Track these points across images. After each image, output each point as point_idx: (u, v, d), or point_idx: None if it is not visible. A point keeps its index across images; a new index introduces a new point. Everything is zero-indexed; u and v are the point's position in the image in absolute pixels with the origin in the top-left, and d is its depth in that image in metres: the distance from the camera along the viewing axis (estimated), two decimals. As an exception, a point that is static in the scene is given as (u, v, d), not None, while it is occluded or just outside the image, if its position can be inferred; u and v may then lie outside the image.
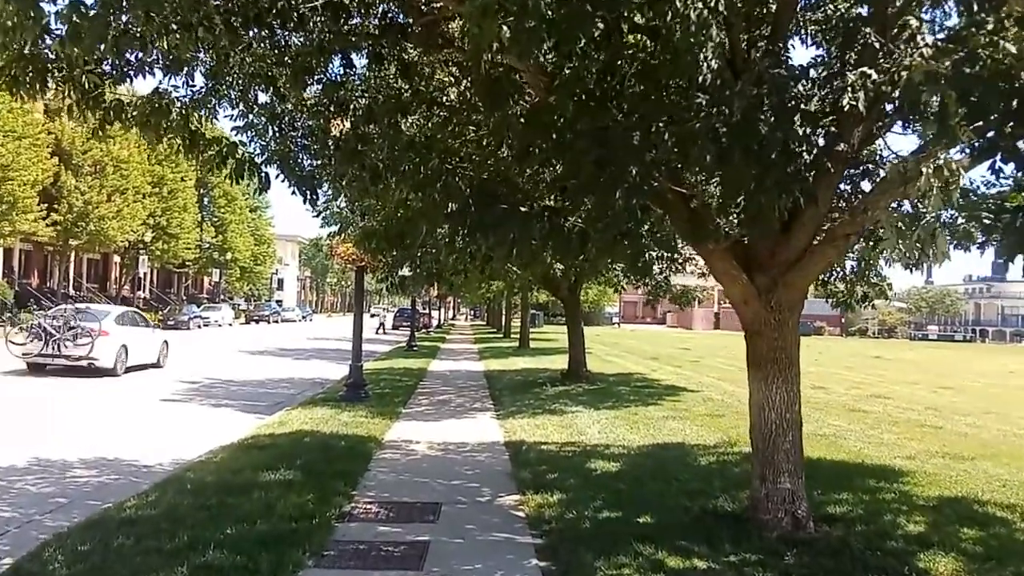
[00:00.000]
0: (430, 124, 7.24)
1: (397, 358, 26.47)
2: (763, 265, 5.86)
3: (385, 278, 12.31)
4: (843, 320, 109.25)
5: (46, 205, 38.47)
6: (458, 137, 6.90)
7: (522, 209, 5.71)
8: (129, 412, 12.88)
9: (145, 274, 53.27)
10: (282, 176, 7.53)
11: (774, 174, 4.71)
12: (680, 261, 16.49)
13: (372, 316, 79.43)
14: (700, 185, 5.49)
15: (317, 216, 11.63)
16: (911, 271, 7.27)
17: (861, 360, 34.81)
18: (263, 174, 7.35)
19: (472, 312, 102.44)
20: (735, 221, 5.63)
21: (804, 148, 4.87)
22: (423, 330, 50.61)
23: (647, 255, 5.64)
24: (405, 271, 12.31)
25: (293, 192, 7.41)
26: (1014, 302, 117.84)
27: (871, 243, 7.82)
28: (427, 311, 59.91)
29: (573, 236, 5.59)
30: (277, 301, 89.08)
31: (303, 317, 77.09)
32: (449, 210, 5.81)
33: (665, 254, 7.28)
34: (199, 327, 47.73)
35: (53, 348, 17.40)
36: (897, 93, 4.54)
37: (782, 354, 5.93)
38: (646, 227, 5.50)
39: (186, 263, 60.12)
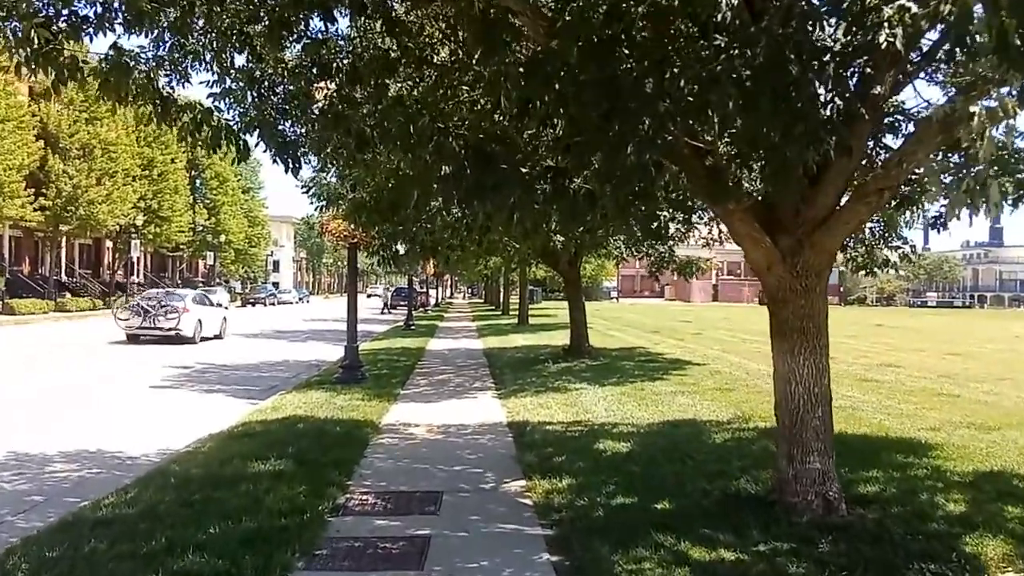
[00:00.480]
0: (420, 85, 6.70)
1: (395, 337, 26.02)
2: (787, 226, 5.35)
3: (376, 252, 11.76)
4: (842, 289, 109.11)
5: (33, 190, 37.78)
6: (451, 99, 6.36)
7: (523, 171, 5.19)
8: (120, 398, 12.41)
9: (138, 258, 52.57)
10: (262, 145, 7.03)
11: (805, 122, 4.20)
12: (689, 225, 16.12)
13: (369, 296, 79.01)
14: (718, 139, 4.97)
15: (306, 192, 11.02)
16: (940, 230, 6.80)
17: (863, 328, 34.37)
18: (241, 142, 6.85)
19: (470, 290, 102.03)
20: (756, 178, 5.11)
21: (836, 92, 4.36)
22: (421, 309, 50.20)
23: (662, 217, 5.11)
24: (399, 247, 11.82)
25: (274, 161, 6.88)
26: (1012, 267, 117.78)
27: (895, 202, 7.33)
28: (424, 290, 59.48)
29: (580, 198, 5.07)
30: (273, 283, 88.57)
31: (300, 299, 76.68)
32: (442, 174, 5.28)
33: (681, 216, 6.72)
34: (194, 311, 47.17)
35: (150, 322, 22.67)
36: (942, 26, 4.04)
37: (809, 323, 5.44)
38: (661, 185, 4.98)
39: (180, 246, 59.50)
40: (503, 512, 6.02)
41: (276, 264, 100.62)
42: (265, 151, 7.05)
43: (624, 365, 15.85)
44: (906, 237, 8.65)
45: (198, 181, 61.92)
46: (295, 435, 8.71)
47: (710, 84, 4.30)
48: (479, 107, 5.83)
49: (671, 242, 14.42)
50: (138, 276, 58.26)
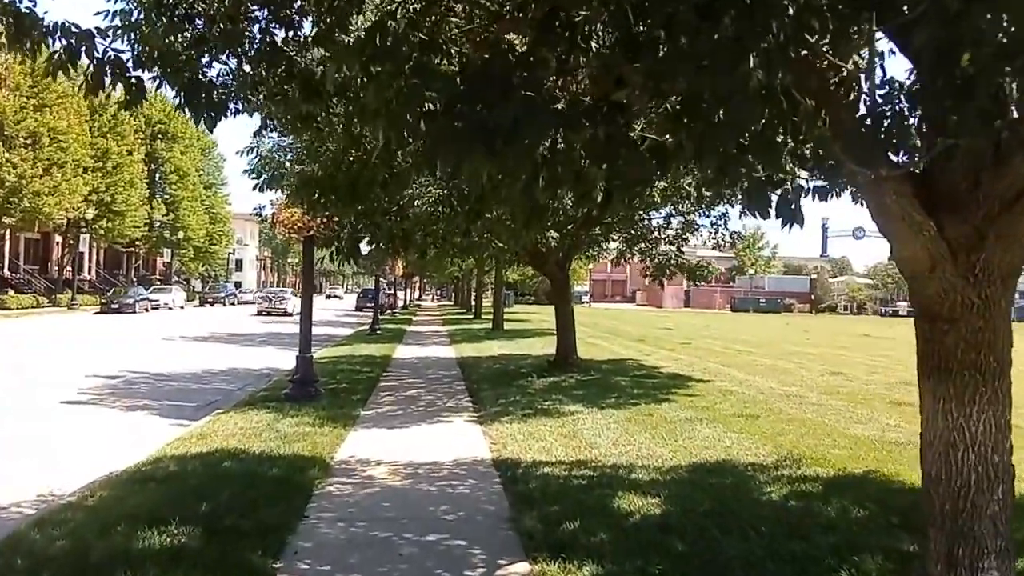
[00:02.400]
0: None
1: (358, 343, 23.85)
2: (961, 205, 3.42)
3: (331, 246, 9.49)
4: (813, 296, 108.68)
5: (-29, 180, 35.11)
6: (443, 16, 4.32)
7: (558, 107, 3.19)
8: (23, 414, 10.21)
9: (84, 253, 49.63)
10: (166, 85, 5.00)
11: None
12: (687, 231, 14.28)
13: (328, 298, 76.21)
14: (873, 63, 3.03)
15: (250, 173, 8.88)
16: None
17: (852, 339, 32.84)
18: (132, 80, 4.80)
19: (439, 292, 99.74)
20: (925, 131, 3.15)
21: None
22: (389, 311, 48.01)
23: (788, 170, 3.13)
24: (363, 246, 9.71)
25: (181, 107, 4.84)
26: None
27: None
28: (392, 291, 57.30)
29: (647, 151, 3.09)
30: (236, 283, 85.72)
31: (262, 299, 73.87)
32: (426, 110, 3.26)
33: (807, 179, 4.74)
34: (147, 311, 44.54)
35: (272, 305, 45.97)
36: None
37: (989, 355, 3.52)
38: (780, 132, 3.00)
39: (135, 242, 56.66)
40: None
41: (239, 263, 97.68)
42: (175, 97, 5.04)
43: (619, 381, 13.89)
44: None
45: (157, 175, 59.04)
46: (217, 481, 6.62)
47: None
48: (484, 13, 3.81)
49: (680, 242, 12.60)
50: (90, 273, 55.36)
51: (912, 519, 5.68)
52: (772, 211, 3.10)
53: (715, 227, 13.91)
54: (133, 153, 50.74)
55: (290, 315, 39.24)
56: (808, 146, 3.17)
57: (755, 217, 3.20)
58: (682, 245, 13.26)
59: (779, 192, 3.09)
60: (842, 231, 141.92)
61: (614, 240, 14.65)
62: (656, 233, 13.73)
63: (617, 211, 10.00)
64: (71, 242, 47.17)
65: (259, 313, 44.33)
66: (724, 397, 12.10)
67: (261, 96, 5.00)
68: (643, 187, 3.97)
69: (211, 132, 5.87)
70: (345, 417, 10.18)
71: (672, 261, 13.77)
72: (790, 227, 3.06)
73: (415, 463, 7.75)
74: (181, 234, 59.63)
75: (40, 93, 39.17)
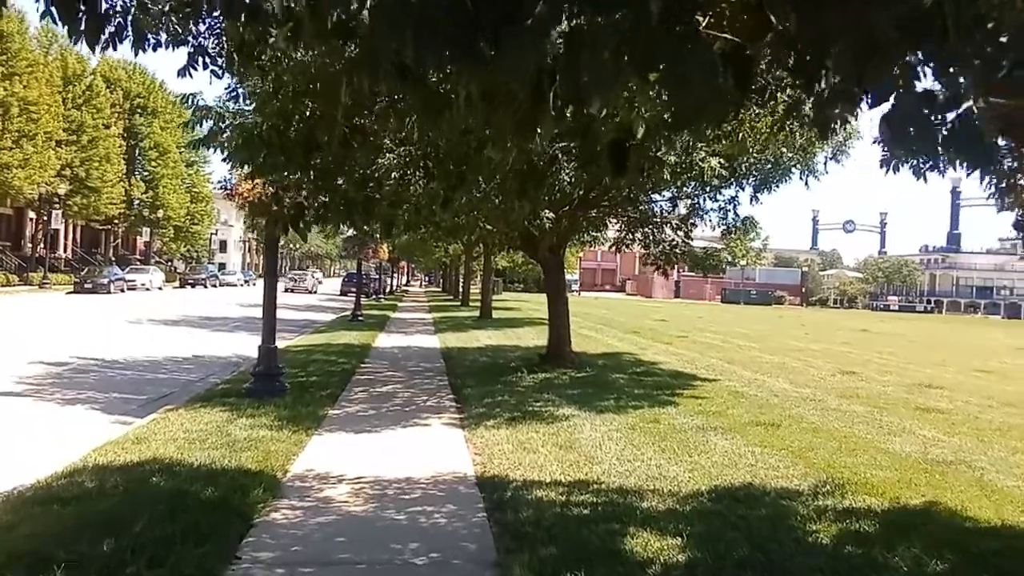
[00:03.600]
0: None
1: (338, 330, 22.55)
2: None
3: (265, 214, 7.91)
4: (804, 290, 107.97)
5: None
6: None
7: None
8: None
9: (65, 232, 47.99)
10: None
11: None
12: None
13: (287, 291, 74.86)
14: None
15: (185, 130, 7.51)
16: None
17: (852, 335, 31.83)
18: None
19: (427, 278, 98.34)
20: None
21: None
22: (374, 297, 46.72)
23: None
24: (306, 211, 8.29)
25: (45, 14, 3.53)
26: (967, 273, 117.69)
27: None
28: (379, 276, 55.97)
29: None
30: (220, 264, 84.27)
31: (245, 281, 72.27)
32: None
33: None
34: (122, 291, 43.05)
35: (296, 284, 58.30)
36: None
37: None
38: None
39: (113, 220, 55.04)
40: None
41: (223, 244, 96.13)
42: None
43: (617, 380, 12.66)
44: None
45: (136, 151, 57.30)
46: (136, 504, 5.35)
47: None
48: None
49: (688, 227, 11.36)
50: (66, 251, 53.71)
51: (1008, 570, 4.50)
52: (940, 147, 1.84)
53: (723, 212, 12.66)
54: (110, 127, 49.09)
55: (312, 292, 57.46)
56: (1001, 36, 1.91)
57: (910, 159, 1.95)
58: (690, 231, 12.01)
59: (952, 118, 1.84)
60: (832, 224, 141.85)
61: (613, 224, 13.39)
62: (659, 218, 12.40)
63: (634, 180, 8.65)
64: (44, 219, 45.55)
65: (286, 290, 52.90)
66: (735, 400, 10.90)
67: (166, 6, 3.69)
68: (713, 120, 2.70)
69: (94, 53, 4.51)
70: (309, 418, 8.94)
71: (679, 249, 12.52)
72: (980, 172, 1.82)
73: (383, 480, 6.51)
74: (161, 213, 57.95)
75: (9, 61, 37.50)
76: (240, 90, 6.38)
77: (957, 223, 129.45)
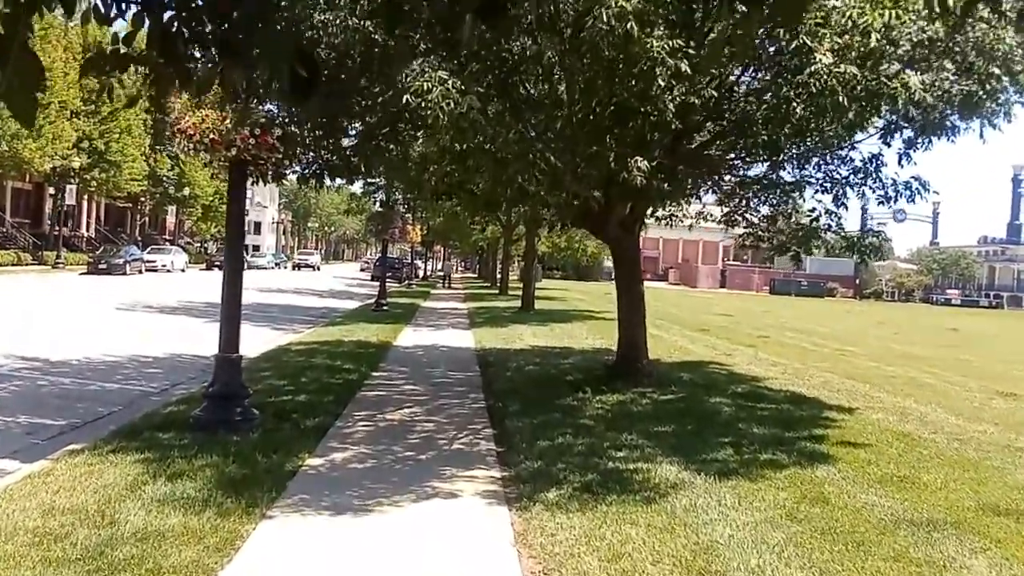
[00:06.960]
0: None
1: (356, 321, 19.34)
2: None
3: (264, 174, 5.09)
4: (857, 281, 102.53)
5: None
6: None
7: None
8: None
9: (73, 207, 45.33)
10: None
11: None
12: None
13: (298, 267, 74.80)
14: None
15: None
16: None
17: (946, 335, 27.90)
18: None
19: (463, 263, 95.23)
20: None
21: None
22: (406, 283, 43.68)
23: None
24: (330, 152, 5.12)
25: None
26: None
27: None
28: (412, 260, 53.02)
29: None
30: (253, 247, 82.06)
31: (276, 264, 69.87)
32: None
33: None
34: (140, 272, 40.45)
35: (303, 261, 75.68)
36: None
37: None
38: None
39: (138, 198, 52.58)
40: None
41: (256, 226, 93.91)
42: None
43: (720, 407, 9.18)
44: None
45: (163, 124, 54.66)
46: None
47: None
48: None
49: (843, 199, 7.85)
50: (88, 230, 51.34)
51: None
52: None
53: (862, 177, 8.97)
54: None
55: (317, 269, 68.63)
56: None
57: None
58: (846, 199, 8.36)
59: None
60: (882, 213, 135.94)
61: (708, 189, 9.86)
62: (797, 182, 8.70)
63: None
64: (61, 194, 43.08)
65: (294, 267, 68.14)
66: (910, 450, 7.35)
67: None
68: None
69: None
70: (269, 479, 5.69)
71: (821, 229, 8.79)
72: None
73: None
74: (187, 191, 55.26)
75: (21, 24, 34.84)
76: None
77: (1018, 213, 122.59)
